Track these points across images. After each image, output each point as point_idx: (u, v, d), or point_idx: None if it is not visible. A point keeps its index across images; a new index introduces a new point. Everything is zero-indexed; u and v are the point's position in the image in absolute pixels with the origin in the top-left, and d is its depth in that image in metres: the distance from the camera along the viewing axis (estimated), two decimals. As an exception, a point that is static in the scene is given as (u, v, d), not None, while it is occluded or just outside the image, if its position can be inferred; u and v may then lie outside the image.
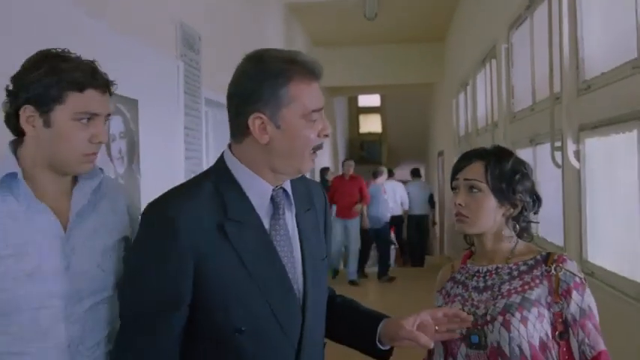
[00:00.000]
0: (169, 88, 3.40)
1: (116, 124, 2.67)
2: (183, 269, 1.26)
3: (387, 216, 8.68)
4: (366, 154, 17.78)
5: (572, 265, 1.52)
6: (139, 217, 1.37)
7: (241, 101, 1.31)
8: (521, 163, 1.61)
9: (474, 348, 1.51)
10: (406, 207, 9.79)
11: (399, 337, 1.40)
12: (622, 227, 2.78)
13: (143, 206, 2.48)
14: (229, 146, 1.38)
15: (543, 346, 1.48)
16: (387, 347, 1.47)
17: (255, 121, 1.29)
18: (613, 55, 2.82)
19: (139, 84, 2.90)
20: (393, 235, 10.15)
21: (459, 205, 1.58)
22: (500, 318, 1.50)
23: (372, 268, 9.06)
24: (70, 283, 1.35)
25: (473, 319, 1.52)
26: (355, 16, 8.08)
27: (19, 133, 1.37)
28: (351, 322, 1.53)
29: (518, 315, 1.48)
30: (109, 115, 1.42)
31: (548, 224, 4.05)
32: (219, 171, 1.36)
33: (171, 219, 1.25)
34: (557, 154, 3.48)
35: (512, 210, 1.58)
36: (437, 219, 11.57)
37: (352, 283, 7.96)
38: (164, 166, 3.24)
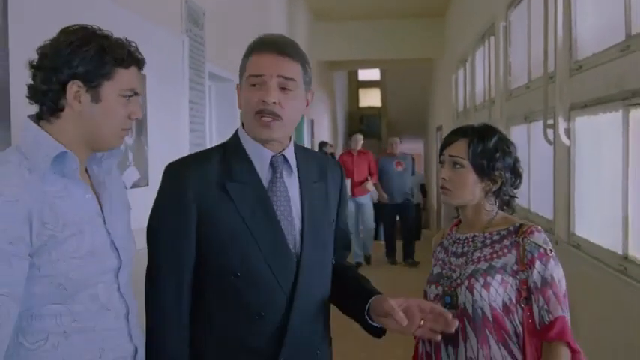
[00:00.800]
0: (175, 64, 3.49)
1: (125, 98, 2.78)
2: (187, 213, 1.49)
3: (404, 191, 7.89)
4: (366, 127, 17.84)
5: (538, 237, 1.65)
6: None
7: None
8: (504, 141, 1.74)
9: (448, 307, 1.66)
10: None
11: (383, 312, 1.46)
12: (606, 202, 2.91)
13: (150, 176, 2.66)
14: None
15: (506, 309, 1.63)
16: (379, 325, 1.53)
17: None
18: (604, 36, 2.93)
19: (146, 59, 3.00)
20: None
21: (443, 179, 1.74)
22: (466, 282, 1.65)
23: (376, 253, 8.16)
24: (116, 257, 1.42)
25: (448, 282, 1.69)
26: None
27: (55, 109, 1.35)
28: (350, 294, 1.62)
29: (481, 280, 1.64)
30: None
31: (540, 199, 4.19)
32: (231, 142, 1.59)
33: (179, 174, 1.52)
34: (550, 132, 3.60)
35: (491, 185, 1.72)
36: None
37: (358, 264, 7.38)
38: (170, 138, 3.36)
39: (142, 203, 2.93)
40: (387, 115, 18.31)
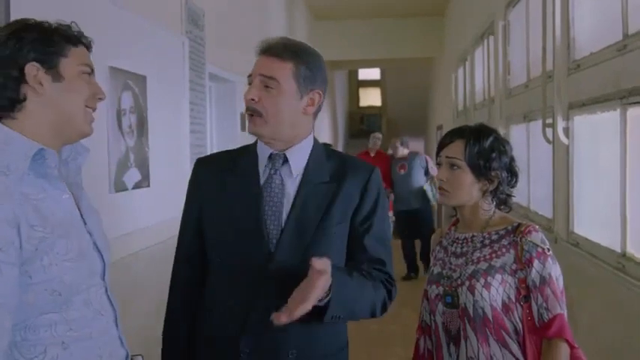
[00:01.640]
0: (175, 65, 3.52)
1: (126, 99, 2.80)
2: (196, 204, 1.67)
3: (409, 197, 6.87)
4: (366, 127, 17.85)
5: (536, 237, 1.67)
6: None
7: None
8: (500, 141, 1.76)
9: (448, 307, 1.69)
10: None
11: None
12: (605, 200, 2.93)
13: (151, 177, 2.69)
14: None
15: (506, 308, 1.65)
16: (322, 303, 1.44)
17: None
18: (601, 36, 2.95)
19: (147, 61, 3.03)
20: None
21: (441, 180, 1.76)
22: (467, 282, 1.68)
23: None
24: (100, 259, 1.38)
25: (449, 282, 1.71)
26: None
27: (17, 100, 1.29)
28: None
29: (482, 280, 1.66)
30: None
31: (539, 197, 4.21)
32: (249, 146, 1.69)
33: (195, 169, 1.71)
34: (549, 131, 3.61)
35: (488, 185, 1.74)
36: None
37: None
38: (171, 139, 3.38)
39: (144, 204, 2.98)
40: (387, 115, 18.31)
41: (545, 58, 3.66)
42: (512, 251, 1.68)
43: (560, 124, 3.40)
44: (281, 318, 1.36)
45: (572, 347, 1.64)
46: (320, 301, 1.40)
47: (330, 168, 1.63)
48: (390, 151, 7.43)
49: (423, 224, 6.82)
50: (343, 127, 16.73)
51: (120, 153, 2.72)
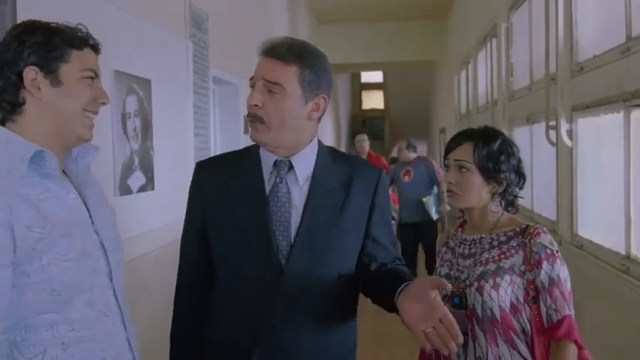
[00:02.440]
0: (179, 68, 3.53)
1: (131, 103, 2.82)
2: (200, 208, 1.61)
3: (414, 207, 6.04)
4: (369, 130, 17.87)
5: (545, 238, 1.68)
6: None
7: None
8: (508, 143, 1.77)
9: (456, 308, 1.69)
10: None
11: (419, 292, 1.34)
12: (609, 202, 2.93)
13: (156, 180, 2.70)
14: None
15: (514, 309, 1.66)
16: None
17: None
18: (604, 38, 2.95)
19: (151, 64, 3.04)
20: None
21: (450, 183, 1.76)
22: (475, 284, 1.68)
23: None
24: (106, 259, 1.37)
25: (456, 283, 1.72)
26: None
27: (16, 104, 1.30)
28: (385, 278, 1.54)
29: (491, 281, 1.66)
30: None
31: (543, 200, 4.20)
32: (251, 148, 1.63)
33: (197, 172, 1.65)
34: (552, 133, 3.62)
35: (497, 187, 1.75)
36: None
37: None
38: (175, 142, 3.39)
39: (149, 207, 2.99)
40: (389, 117, 18.33)
41: (548, 60, 3.67)
42: (520, 253, 1.68)
43: (564, 127, 3.41)
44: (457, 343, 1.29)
45: (580, 348, 1.64)
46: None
47: (337, 172, 1.58)
48: (393, 154, 7.10)
49: (429, 237, 5.98)
50: (346, 129, 16.75)
51: (125, 156, 2.73)
